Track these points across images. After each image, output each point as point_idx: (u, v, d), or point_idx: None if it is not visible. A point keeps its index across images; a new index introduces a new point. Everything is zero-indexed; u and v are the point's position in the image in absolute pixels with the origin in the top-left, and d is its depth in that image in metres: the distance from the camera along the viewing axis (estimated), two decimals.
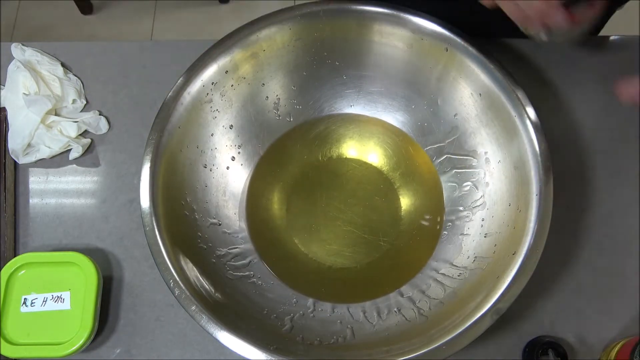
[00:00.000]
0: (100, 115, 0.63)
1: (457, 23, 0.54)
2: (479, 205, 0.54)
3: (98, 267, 0.54)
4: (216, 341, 0.44)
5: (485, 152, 0.55)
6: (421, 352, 0.43)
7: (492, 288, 0.45)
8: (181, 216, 0.51)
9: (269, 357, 0.43)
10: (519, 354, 0.53)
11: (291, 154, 0.60)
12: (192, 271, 0.48)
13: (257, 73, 0.57)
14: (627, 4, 0.63)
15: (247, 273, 0.53)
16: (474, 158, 0.56)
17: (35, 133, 0.59)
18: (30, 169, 0.61)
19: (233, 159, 0.58)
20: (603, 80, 0.63)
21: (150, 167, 0.49)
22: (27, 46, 0.64)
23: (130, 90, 0.64)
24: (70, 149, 0.61)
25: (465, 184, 0.56)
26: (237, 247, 0.55)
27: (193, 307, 0.45)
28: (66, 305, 0.53)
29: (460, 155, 0.57)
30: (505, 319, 0.53)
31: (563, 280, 0.56)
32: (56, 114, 0.61)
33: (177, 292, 0.45)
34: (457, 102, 0.56)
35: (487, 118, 0.54)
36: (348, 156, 0.60)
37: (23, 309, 0.53)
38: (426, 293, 0.52)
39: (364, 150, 0.60)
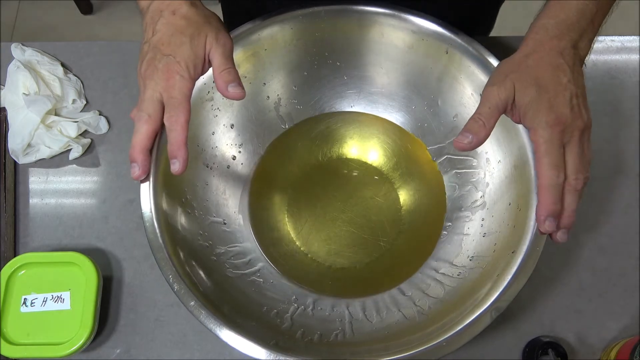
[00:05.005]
0: (100, 115, 0.63)
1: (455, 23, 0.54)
2: (478, 205, 0.54)
3: (98, 267, 0.54)
4: (216, 341, 0.44)
5: (486, 152, 0.55)
6: (421, 349, 0.43)
7: (492, 286, 0.45)
8: (181, 214, 0.51)
9: (269, 353, 0.43)
10: (519, 354, 0.53)
11: (292, 153, 0.60)
12: (192, 268, 0.48)
13: (258, 72, 0.57)
14: (627, 4, 0.63)
15: (246, 271, 0.53)
16: (474, 158, 0.56)
17: (35, 133, 0.59)
18: (30, 169, 0.61)
19: (234, 158, 0.58)
20: (603, 79, 0.64)
21: (150, 165, 0.49)
22: (27, 46, 0.65)
23: (130, 90, 0.64)
24: (70, 149, 0.61)
25: (465, 184, 0.56)
26: (237, 246, 0.54)
27: (192, 303, 0.44)
28: (66, 305, 0.53)
29: (461, 155, 0.57)
30: (505, 318, 0.53)
31: (563, 280, 0.56)
32: (56, 114, 0.61)
33: (176, 287, 0.45)
34: (458, 102, 0.56)
35: None
36: (348, 156, 0.60)
37: (23, 309, 0.53)
38: (426, 292, 0.52)
39: (364, 151, 0.60)
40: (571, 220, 0.44)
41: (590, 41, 0.46)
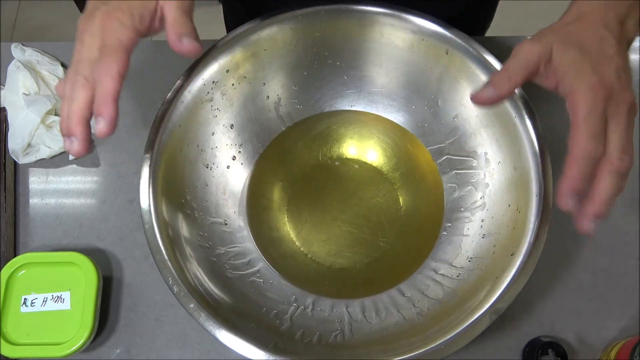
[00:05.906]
0: None
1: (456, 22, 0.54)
2: (478, 206, 0.54)
3: (98, 267, 0.54)
4: (215, 341, 0.44)
5: (486, 153, 0.55)
6: (420, 351, 0.43)
7: (491, 288, 0.45)
8: (181, 215, 0.51)
9: (268, 356, 0.43)
10: (519, 354, 0.53)
11: (291, 153, 0.60)
12: (191, 269, 0.48)
13: (258, 72, 0.57)
14: None
15: (246, 272, 0.53)
16: (474, 159, 0.56)
17: (35, 133, 0.59)
18: (30, 169, 0.61)
19: (234, 158, 0.58)
20: None
21: (150, 166, 0.49)
22: (27, 46, 0.65)
23: (130, 90, 0.64)
24: None
25: (465, 184, 0.56)
26: (236, 246, 0.55)
27: (191, 305, 0.44)
28: (66, 305, 0.53)
29: (461, 156, 0.57)
30: (505, 319, 0.53)
31: (563, 280, 0.56)
32: (56, 114, 0.61)
33: (175, 289, 0.45)
34: (458, 102, 0.56)
35: (488, 119, 0.54)
36: (348, 156, 0.60)
37: (23, 309, 0.53)
38: (425, 293, 0.52)
39: (364, 151, 0.60)
40: (605, 209, 0.36)
41: (637, 23, 0.40)
